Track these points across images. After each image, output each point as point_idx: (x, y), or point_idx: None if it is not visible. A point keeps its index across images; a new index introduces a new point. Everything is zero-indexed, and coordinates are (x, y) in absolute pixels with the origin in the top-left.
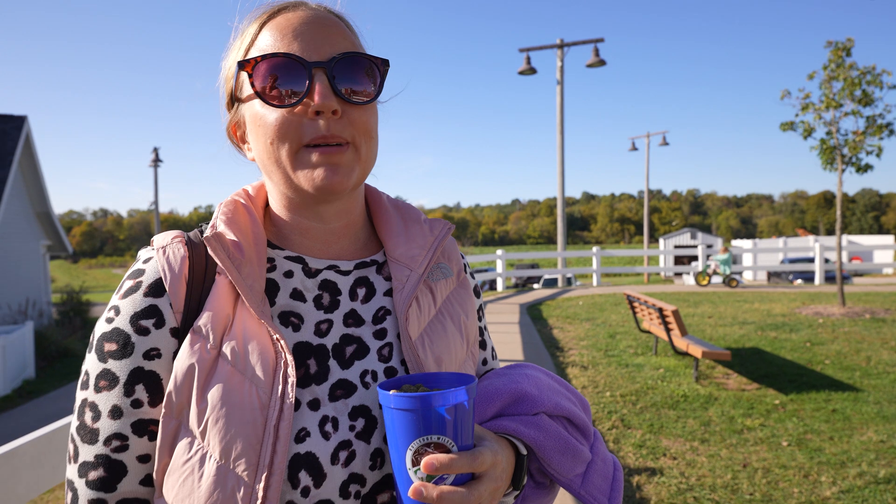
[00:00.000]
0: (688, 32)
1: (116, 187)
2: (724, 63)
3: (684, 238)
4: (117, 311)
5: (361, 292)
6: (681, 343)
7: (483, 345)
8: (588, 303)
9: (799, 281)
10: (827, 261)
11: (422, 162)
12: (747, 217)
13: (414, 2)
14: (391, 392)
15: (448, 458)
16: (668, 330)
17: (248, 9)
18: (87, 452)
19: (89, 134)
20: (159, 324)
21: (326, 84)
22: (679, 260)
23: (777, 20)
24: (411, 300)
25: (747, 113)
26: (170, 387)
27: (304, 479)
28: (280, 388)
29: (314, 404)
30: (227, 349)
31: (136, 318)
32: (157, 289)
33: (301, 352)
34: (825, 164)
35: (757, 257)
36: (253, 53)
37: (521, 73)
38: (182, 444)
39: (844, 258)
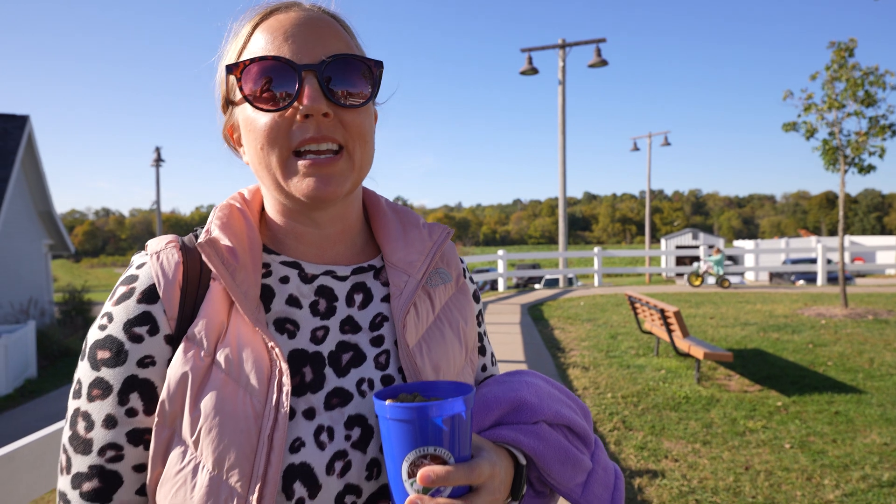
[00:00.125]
0: (690, 32)
1: (119, 187)
2: (726, 63)
3: (686, 238)
4: (110, 317)
5: (358, 298)
6: (682, 344)
7: (482, 350)
8: (589, 303)
9: (801, 282)
10: (829, 261)
11: (423, 161)
12: (749, 217)
13: (416, 1)
14: (387, 402)
15: (445, 470)
16: (669, 331)
17: (245, 8)
18: (81, 463)
19: (91, 133)
20: (153, 331)
21: (316, 87)
22: (681, 260)
23: (780, 20)
24: (409, 307)
25: (749, 113)
26: (163, 395)
27: (299, 490)
28: (274, 396)
29: (309, 413)
30: (221, 357)
31: (129, 325)
32: (150, 295)
33: (296, 359)
34: (828, 165)
35: (759, 258)
36: (245, 56)
37: (523, 73)
38: (175, 454)
39: (847, 259)
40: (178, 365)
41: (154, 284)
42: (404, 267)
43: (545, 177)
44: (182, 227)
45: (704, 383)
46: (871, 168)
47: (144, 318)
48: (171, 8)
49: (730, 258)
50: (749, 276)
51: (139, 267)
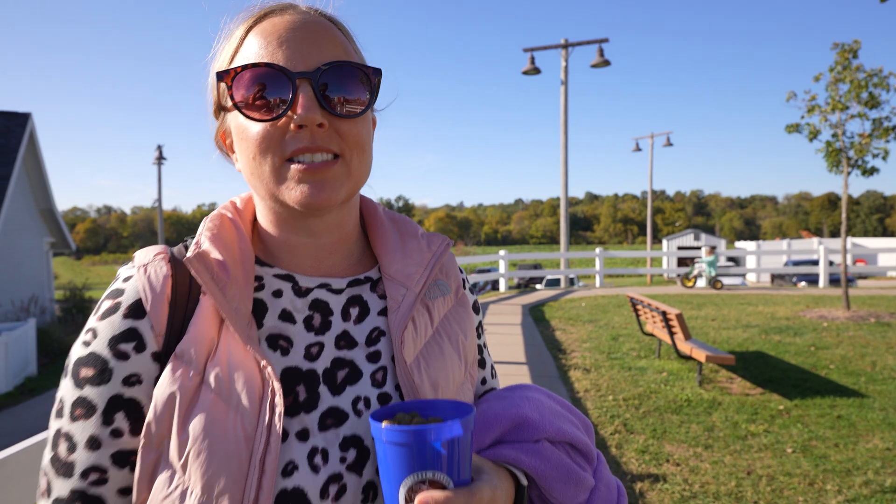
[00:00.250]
0: (692, 33)
1: (120, 184)
2: (728, 64)
3: (688, 239)
4: (94, 333)
5: (354, 312)
6: (684, 347)
7: (482, 363)
8: (591, 304)
9: (802, 283)
10: (831, 263)
11: (425, 161)
12: (751, 218)
13: (417, 1)
14: (383, 424)
15: (443, 496)
16: (671, 333)
17: (239, 8)
18: (62, 487)
19: (94, 131)
20: (139, 348)
21: (311, 96)
22: (682, 261)
23: (783, 21)
24: (407, 321)
25: (751, 114)
26: (149, 416)
27: None
28: (267, 418)
29: (303, 434)
30: (210, 376)
31: (114, 342)
32: (137, 310)
33: (289, 377)
34: (831, 166)
35: (760, 259)
36: (237, 61)
37: (526, 72)
38: (162, 478)
39: (848, 261)
40: (166, 384)
41: (141, 299)
42: (402, 279)
43: (547, 176)
44: (184, 224)
45: (706, 386)
46: (874, 170)
47: (130, 335)
48: (174, 5)
49: (731, 259)
50: (750, 278)
51: (125, 280)
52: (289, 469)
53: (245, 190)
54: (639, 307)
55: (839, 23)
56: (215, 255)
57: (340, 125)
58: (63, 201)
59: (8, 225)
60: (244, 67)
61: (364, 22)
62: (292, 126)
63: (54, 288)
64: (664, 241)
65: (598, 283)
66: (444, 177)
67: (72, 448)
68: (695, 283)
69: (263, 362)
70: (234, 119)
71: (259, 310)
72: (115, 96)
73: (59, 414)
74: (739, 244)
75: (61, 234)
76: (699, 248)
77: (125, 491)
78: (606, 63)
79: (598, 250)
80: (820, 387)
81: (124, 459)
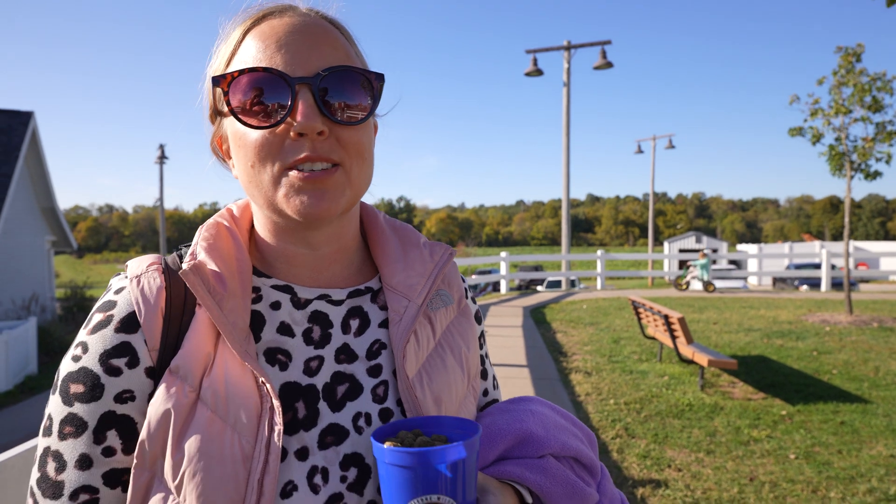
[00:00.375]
0: (695, 36)
1: (122, 183)
2: (731, 66)
3: (689, 242)
4: (85, 348)
5: (354, 324)
6: (686, 351)
7: (484, 374)
8: (592, 307)
9: (804, 287)
10: (833, 267)
11: (426, 161)
12: (752, 221)
13: (420, 1)
14: (386, 445)
15: None
16: (673, 337)
17: (236, 9)
18: None
19: (96, 130)
20: (132, 363)
21: (311, 102)
22: (683, 264)
23: (786, 24)
24: (409, 335)
25: (753, 116)
26: (143, 434)
27: None
28: (265, 436)
29: (302, 453)
30: (206, 392)
31: (106, 357)
32: (130, 324)
33: (288, 393)
34: (834, 170)
35: (762, 262)
36: (234, 65)
37: (528, 74)
38: (155, 500)
39: (851, 265)
40: (160, 401)
41: (134, 312)
42: (404, 290)
43: (548, 178)
44: (185, 224)
45: (708, 390)
46: (877, 174)
47: (123, 349)
48: (177, 2)
49: (733, 262)
50: (752, 281)
51: (118, 292)
52: (288, 489)
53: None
54: (640, 310)
55: (843, 25)
56: (212, 266)
57: (341, 132)
58: (65, 200)
59: (9, 223)
60: (241, 72)
61: (365, 22)
62: (292, 134)
63: (55, 286)
64: (665, 244)
65: (599, 286)
66: (445, 177)
67: (61, 467)
68: (688, 286)
69: (262, 378)
70: (231, 125)
71: (257, 322)
72: (117, 95)
73: (48, 432)
74: (741, 247)
75: (63, 232)
76: (701, 250)
77: None
78: (609, 65)
79: (599, 253)
80: (823, 392)
81: (116, 479)
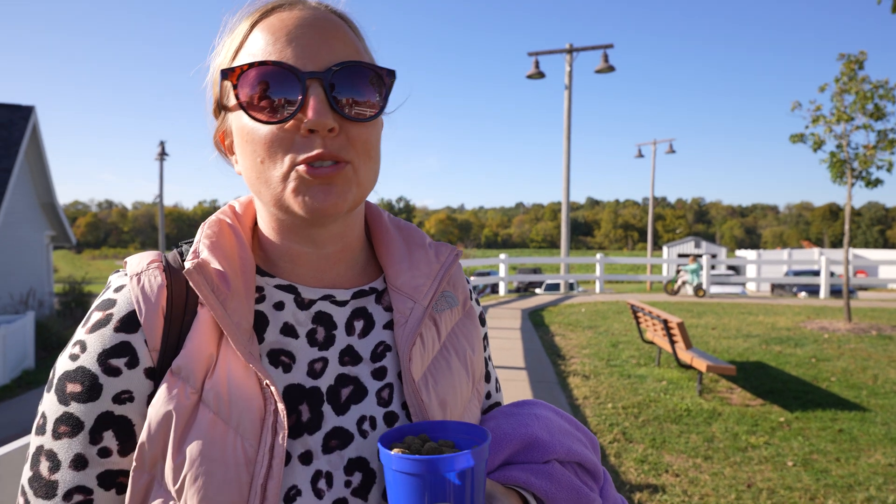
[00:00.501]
0: (697, 40)
1: (122, 179)
2: (732, 72)
3: (688, 247)
4: (83, 346)
5: (359, 325)
6: (685, 356)
7: (487, 377)
8: (590, 310)
9: (803, 294)
10: (832, 274)
11: (427, 162)
12: (752, 227)
13: (423, 2)
14: (393, 452)
15: None
16: (672, 342)
17: (242, 1)
18: None
19: (96, 126)
20: (132, 363)
21: (322, 98)
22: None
23: (788, 30)
24: (415, 337)
25: (754, 123)
26: (143, 437)
27: None
28: (269, 440)
29: (306, 457)
30: (209, 394)
31: (104, 357)
32: (129, 323)
33: (292, 396)
34: (835, 177)
35: (761, 268)
36: (241, 58)
37: (530, 76)
38: None
39: (850, 272)
40: (161, 402)
41: (134, 311)
42: (409, 292)
43: (548, 180)
44: (185, 220)
45: (706, 396)
46: (878, 182)
47: (122, 349)
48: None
49: (731, 268)
50: (751, 287)
51: (117, 290)
52: (291, 495)
53: (245, 189)
54: (639, 314)
55: (845, 32)
56: (215, 265)
57: (351, 129)
58: (64, 195)
59: (9, 217)
60: (251, 65)
61: (369, 18)
62: (302, 130)
63: (54, 281)
64: (664, 248)
65: (598, 289)
66: (445, 178)
67: (54, 467)
68: (678, 290)
69: (266, 380)
70: (237, 119)
71: (260, 323)
72: (118, 92)
73: (41, 430)
74: (740, 253)
75: (62, 227)
76: (700, 255)
77: None
78: (611, 69)
79: (598, 256)
80: (821, 399)
81: (111, 481)
